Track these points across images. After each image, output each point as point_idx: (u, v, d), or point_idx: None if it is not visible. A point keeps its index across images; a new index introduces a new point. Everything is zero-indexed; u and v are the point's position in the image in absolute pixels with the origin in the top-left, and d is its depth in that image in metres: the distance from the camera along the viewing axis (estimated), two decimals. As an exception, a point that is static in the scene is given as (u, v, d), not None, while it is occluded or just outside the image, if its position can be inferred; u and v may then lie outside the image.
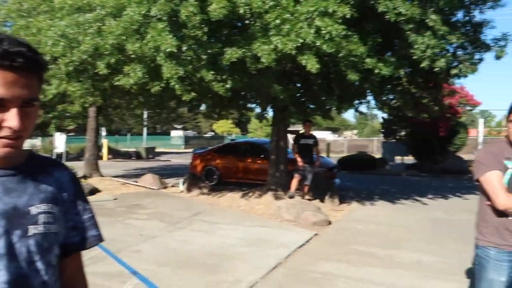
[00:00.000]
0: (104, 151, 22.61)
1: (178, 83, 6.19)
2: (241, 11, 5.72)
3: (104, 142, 23.39)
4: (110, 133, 28.96)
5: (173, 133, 50.84)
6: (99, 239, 1.07)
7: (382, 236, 6.26)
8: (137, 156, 25.52)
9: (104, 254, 4.99)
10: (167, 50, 5.73)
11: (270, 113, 10.17)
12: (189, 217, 7.29)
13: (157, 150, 28.89)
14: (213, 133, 60.65)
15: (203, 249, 5.34)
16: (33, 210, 0.91)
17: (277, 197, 8.30)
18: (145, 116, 18.45)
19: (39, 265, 0.91)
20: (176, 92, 6.31)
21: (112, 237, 5.79)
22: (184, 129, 60.47)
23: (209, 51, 6.31)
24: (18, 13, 8.83)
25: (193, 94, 6.39)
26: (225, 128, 54.48)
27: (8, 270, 0.85)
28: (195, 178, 10.61)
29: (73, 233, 1.02)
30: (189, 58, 6.35)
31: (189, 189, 10.04)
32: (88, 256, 4.89)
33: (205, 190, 9.88)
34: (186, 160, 24.26)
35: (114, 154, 25.99)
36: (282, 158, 9.16)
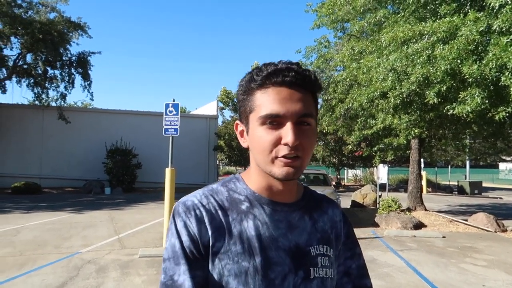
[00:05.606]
0: (424, 183, 21.89)
1: (532, 104, 5.03)
2: None
3: (423, 174, 22.71)
4: (427, 165, 27.92)
5: (502, 165, 43.86)
6: None
7: None
8: (460, 191, 23.31)
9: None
10: (518, 66, 4.77)
11: None
12: (548, 274, 5.67)
13: (483, 185, 25.44)
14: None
15: None
16: (312, 250, 0.86)
17: None
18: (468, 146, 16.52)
19: None
20: (530, 115, 5.13)
21: (448, 281, 5.20)
22: (515, 161, 51.15)
23: None
24: (350, 57, 9.86)
25: (556, 116, 5.00)
26: None
27: None
28: (547, 224, 8.34)
29: (344, 279, 0.95)
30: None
31: (539, 237, 7.98)
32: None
33: None
34: (524, 199, 20.09)
35: (433, 187, 24.80)
36: None
